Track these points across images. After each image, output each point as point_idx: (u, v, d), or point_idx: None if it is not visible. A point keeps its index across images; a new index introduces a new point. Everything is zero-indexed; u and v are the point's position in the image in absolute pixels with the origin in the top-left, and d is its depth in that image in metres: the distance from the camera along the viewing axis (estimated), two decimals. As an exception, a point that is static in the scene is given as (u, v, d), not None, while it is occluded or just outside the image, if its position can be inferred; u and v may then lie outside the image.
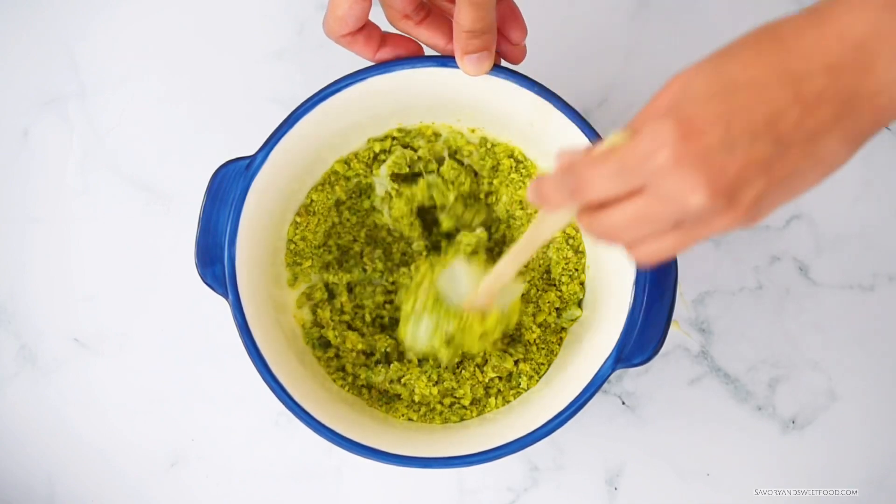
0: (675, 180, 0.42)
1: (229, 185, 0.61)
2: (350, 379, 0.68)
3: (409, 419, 0.67)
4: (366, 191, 0.70)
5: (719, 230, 0.43)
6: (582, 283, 0.68)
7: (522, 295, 0.69)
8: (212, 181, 0.61)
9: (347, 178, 0.69)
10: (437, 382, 0.67)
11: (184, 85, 0.76)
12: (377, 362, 0.68)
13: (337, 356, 0.68)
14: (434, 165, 0.69)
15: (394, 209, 0.69)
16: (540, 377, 0.67)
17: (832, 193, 0.74)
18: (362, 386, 0.68)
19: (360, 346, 0.68)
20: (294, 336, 0.67)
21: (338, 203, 0.69)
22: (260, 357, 0.61)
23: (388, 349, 0.68)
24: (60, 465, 0.74)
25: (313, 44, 0.76)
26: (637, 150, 0.42)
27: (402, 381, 0.67)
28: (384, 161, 0.68)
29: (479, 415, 0.67)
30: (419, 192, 0.68)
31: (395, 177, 0.69)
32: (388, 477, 0.73)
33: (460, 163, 0.69)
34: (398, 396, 0.68)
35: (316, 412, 0.61)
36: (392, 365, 0.67)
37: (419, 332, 0.62)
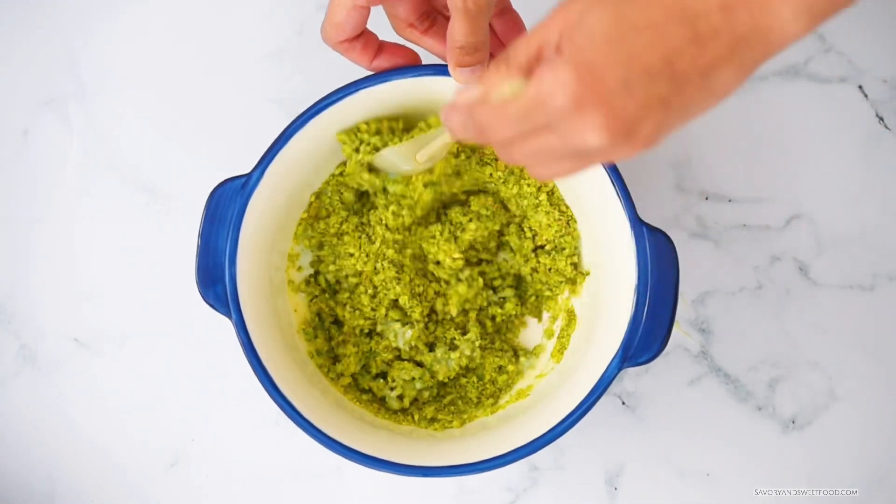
0: (575, 122, 0.43)
1: (226, 204, 0.61)
2: (348, 379, 0.68)
3: (405, 424, 0.67)
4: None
5: (618, 159, 0.45)
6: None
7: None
8: (209, 202, 0.61)
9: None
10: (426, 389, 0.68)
11: (183, 84, 0.76)
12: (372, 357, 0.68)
13: (335, 347, 0.68)
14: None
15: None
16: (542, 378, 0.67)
17: (832, 193, 0.74)
18: (362, 390, 0.68)
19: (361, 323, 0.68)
20: (296, 346, 0.67)
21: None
22: (266, 374, 0.61)
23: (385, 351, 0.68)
24: (61, 465, 0.74)
25: (313, 44, 0.76)
26: (538, 96, 0.43)
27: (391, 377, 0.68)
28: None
29: (481, 416, 0.67)
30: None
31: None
32: (387, 476, 0.73)
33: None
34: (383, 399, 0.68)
35: (319, 423, 0.61)
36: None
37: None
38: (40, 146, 0.76)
